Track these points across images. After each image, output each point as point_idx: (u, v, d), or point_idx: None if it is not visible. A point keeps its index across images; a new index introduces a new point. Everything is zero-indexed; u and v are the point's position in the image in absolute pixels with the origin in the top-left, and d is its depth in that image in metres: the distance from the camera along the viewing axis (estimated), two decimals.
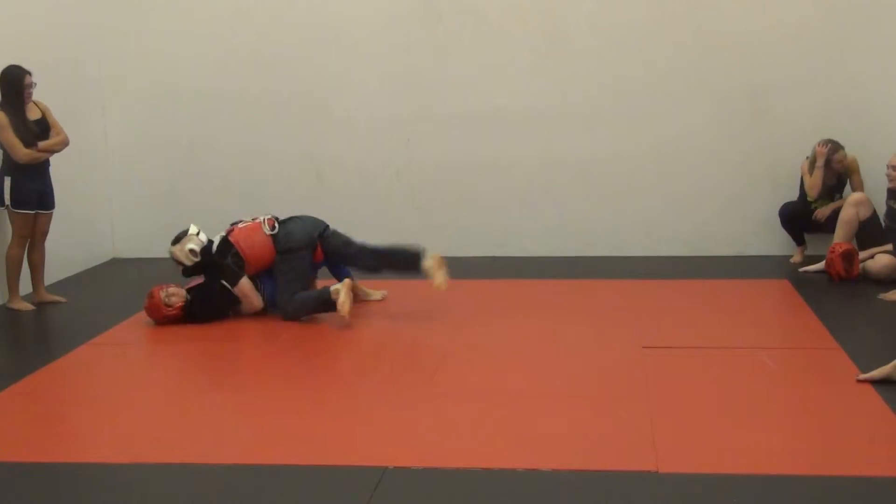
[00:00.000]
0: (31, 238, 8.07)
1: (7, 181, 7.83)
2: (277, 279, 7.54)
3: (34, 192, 7.92)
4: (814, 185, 8.86)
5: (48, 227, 8.15)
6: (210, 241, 7.67)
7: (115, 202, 10.02)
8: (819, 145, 8.79)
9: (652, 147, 9.52)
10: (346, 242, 7.68)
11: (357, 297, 7.68)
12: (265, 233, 7.56)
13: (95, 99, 9.76)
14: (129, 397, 5.99)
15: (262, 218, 7.68)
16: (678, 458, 4.79)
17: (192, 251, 7.63)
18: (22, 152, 7.76)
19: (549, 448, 4.97)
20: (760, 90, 9.30)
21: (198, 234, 7.71)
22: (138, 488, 4.69)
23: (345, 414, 5.61)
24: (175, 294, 7.48)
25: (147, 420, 5.56)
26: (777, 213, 9.13)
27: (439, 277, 7.32)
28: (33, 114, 7.96)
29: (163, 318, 7.44)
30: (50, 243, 8.23)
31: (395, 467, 4.74)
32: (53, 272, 8.61)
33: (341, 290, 7.21)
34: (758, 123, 9.34)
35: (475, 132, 9.66)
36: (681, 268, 9.03)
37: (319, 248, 7.61)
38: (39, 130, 7.93)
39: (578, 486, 4.54)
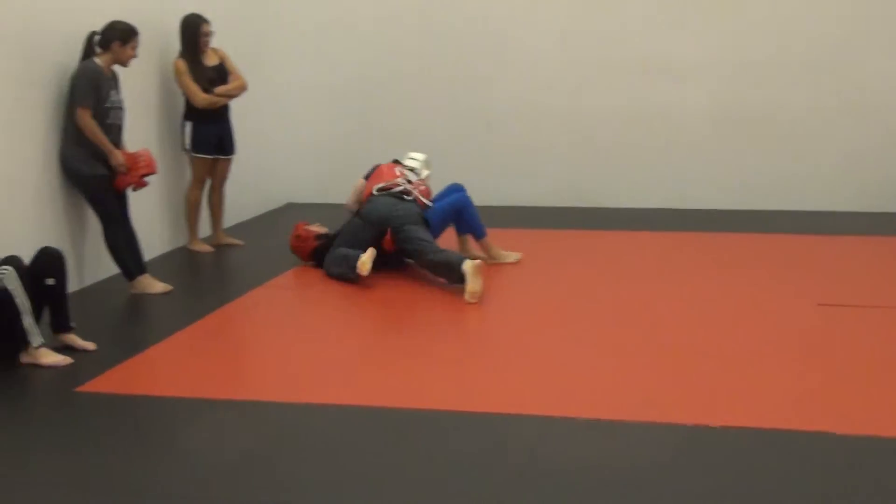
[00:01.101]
0: (212, 182, 8.31)
1: (188, 126, 8.08)
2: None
3: (214, 137, 8.14)
4: None
5: (228, 172, 8.37)
6: (412, 171, 7.80)
7: (292, 147, 10.22)
8: None
9: (832, 100, 9.21)
10: (411, 240, 7.21)
11: (492, 260, 7.57)
12: (373, 190, 7.56)
13: (273, 45, 9.94)
14: (299, 339, 6.13)
15: (405, 186, 7.54)
16: (854, 420, 4.64)
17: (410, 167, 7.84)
18: (200, 97, 7.98)
19: (720, 404, 4.88)
20: None
21: (419, 160, 7.91)
22: (305, 428, 4.78)
23: (512, 363, 5.61)
24: (317, 225, 7.78)
25: (316, 362, 5.68)
26: None
27: (474, 284, 6.64)
28: (211, 61, 8.16)
29: (305, 245, 7.67)
30: (228, 187, 8.45)
31: (560, 417, 4.73)
32: (232, 216, 8.85)
33: (365, 255, 7.04)
34: None
35: (646, 82, 9.50)
36: (860, 223, 8.72)
37: (390, 237, 7.35)
38: (217, 77, 8.13)
39: (751, 444, 4.44)
